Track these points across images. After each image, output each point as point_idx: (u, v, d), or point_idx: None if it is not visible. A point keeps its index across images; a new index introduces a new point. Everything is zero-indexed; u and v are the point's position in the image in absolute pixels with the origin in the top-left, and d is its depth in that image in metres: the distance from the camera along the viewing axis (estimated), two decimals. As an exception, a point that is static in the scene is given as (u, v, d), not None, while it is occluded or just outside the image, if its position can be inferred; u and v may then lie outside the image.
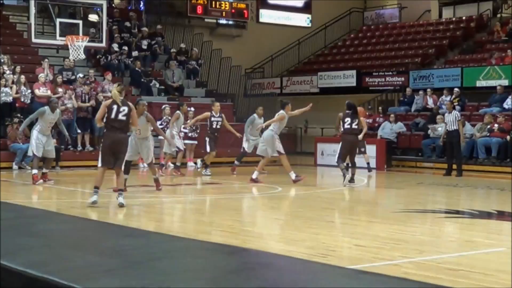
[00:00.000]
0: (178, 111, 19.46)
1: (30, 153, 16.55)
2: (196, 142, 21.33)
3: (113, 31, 25.95)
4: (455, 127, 19.00)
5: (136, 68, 25.38)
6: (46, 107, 16.12)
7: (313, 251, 7.92)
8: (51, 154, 16.20)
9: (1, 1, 27.52)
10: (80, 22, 22.18)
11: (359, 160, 19.79)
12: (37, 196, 14.56)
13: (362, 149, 19.85)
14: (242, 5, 32.89)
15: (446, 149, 20.08)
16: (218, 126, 18.96)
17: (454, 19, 32.26)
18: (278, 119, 16.60)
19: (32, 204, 11.94)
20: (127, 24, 27.67)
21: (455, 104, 24.12)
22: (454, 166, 19.53)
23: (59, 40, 21.22)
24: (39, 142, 15.90)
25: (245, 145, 19.78)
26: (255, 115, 19.67)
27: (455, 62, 27.78)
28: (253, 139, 19.49)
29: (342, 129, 16.50)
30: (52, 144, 16.41)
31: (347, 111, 16.41)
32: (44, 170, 16.24)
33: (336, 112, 29.85)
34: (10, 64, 22.11)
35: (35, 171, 15.86)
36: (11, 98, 20.78)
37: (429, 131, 22.89)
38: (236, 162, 19.89)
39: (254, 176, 16.62)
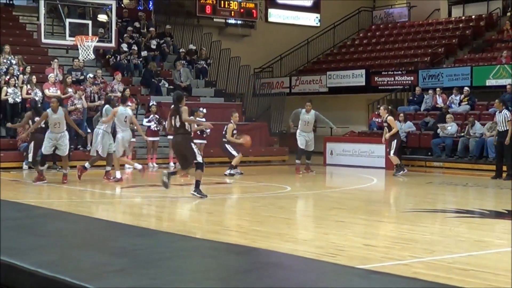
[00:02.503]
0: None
1: (93, 153, 17.13)
2: (205, 141, 21.32)
3: (122, 31, 26.00)
4: (506, 128, 18.00)
5: (152, 69, 25.44)
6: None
7: (322, 250, 7.93)
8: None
9: (11, 2, 27.62)
10: (90, 22, 22.22)
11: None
12: (47, 196, 14.60)
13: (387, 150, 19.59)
14: (251, 5, 32.92)
15: (496, 150, 18.98)
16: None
17: (463, 18, 32.18)
18: None
19: (42, 204, 11.97)
20: (136, 24, 27.72)
21: (466, 102, 24.11)
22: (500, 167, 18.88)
23: (69, 41, 21.27)
24: (105, 142, 16.76)
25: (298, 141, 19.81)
26: (303, 109, 19.77)
27: (464, 61, 27.71)
28: (304, 135, 19.68)
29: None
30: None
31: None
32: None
33: (344, 111, 29.89)
34: (21, 64, 22.20)
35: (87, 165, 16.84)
36: (20, 98, 20.84)
37: (439, 130, 22.84)
38: (297, 161, 19.89)
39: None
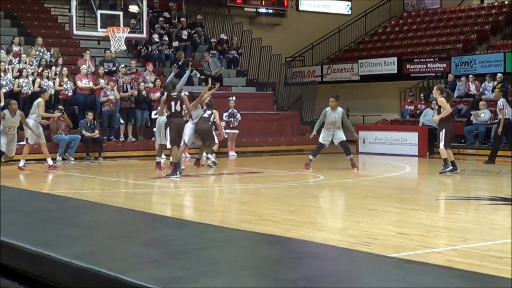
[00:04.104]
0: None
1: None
2: (237, 131, 21.39)
3: (153, 21, 26.07)
4: None
5: (179, 59, 25.44)
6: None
7: (356, 239, 7.91)
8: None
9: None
10: (121, 13, 22.30)
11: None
12: (80, 187, 14.73)
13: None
14: (282, -6, 32.88)
15: None
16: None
17: (496, 3, 31.85)
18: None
19: (76, 195, 12.07)
20: (167, 14, 27.79)
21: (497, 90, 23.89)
22: None
23: (100, 32, 21.37)
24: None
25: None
26: (328, 108, 17.59)
27: (497, 47, 27.44)
28: (328, 132, 17.59)
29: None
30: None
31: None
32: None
33: (376, 99, 29.70)
34: (57, 56, 22.39)
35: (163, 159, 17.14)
36: (53, 90, 20.99)
37: (472, 118, 22.66)
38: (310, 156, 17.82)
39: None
